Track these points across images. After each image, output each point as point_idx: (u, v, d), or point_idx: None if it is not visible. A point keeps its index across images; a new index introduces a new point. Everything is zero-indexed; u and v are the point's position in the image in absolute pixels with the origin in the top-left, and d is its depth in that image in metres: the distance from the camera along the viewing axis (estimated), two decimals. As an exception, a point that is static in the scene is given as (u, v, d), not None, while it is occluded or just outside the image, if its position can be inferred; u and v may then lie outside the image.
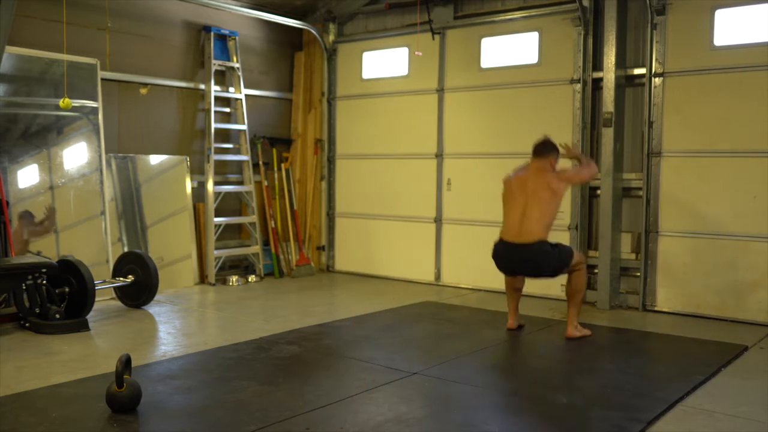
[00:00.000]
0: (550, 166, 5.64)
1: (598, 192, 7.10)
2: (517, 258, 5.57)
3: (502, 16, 7.72)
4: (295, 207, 9.00)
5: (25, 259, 6.00)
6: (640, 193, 6.97)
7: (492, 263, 5.87)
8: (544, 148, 5.71)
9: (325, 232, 9.27)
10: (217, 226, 8.09)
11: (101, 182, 7.09)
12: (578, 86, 7.20)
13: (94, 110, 7.05)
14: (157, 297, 6.78)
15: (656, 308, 6.88)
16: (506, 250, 5.64)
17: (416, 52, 7.93)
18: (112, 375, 3.86)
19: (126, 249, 7.28)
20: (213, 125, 8.06)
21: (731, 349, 5.41)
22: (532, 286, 7.52)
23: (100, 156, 7.08)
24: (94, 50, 7.05)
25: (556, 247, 5.51)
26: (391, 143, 8.63)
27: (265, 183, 8.72)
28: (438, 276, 8.31)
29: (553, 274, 5.65)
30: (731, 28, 6.51)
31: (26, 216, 6.56)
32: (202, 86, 8.13)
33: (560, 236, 7.33)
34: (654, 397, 4.26)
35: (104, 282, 6.59)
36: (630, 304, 7.06)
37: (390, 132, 8.68)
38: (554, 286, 7.39)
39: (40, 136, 6.76)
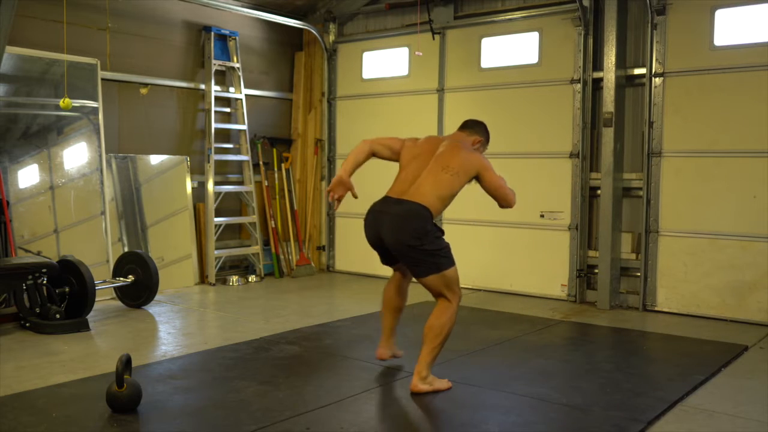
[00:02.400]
0: (471, 145, 4.64)
1: (598, 192, 7.10)
2: (388, 211, 4.30)
3: (502, 16, 7.72)
4: (295, 207, 9.00)
5: (26, 259, 6.00)
6: (640, 193, 6.97)
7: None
8: (475, 125, 4.81)
9: (325, 232, 9.27)
10: (218, 226, 8.09)
11: (101, 182, 7.09)
12: (578, 86, 7.20)
13: (95, 110, 7.05)
14: (157, 297, 6.78)
15: (656, 308, 6.88)
16: (381, 204, 4.44)
17: (416, 52, 7.93)
18: (113, 375, 3.86)
19: (126, 249, 7.28)
20: (213, 125, 8.06)
21: (731, 349, 5.41)
22: (532, 286, 7.55)
23: (100, 156, 7.08)
24: (94, 50, 7.06)
25: (437, 233, 4.25)
26: (391, 143, 8.61)
27: (266, 183, 8.72)
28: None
29: (417, 258, 4.21)
30: (731, 28, 6.51)
31: None
32: (203, 86, 8.13)
33: (560, 236, 7.35)
34: (654, 397, 4.26)
35: (104, 282, 6.59)
36: (630, 304, 7.06)
37: (390, 132, 8.64)
38: (554, 286, 7.40)
39: (40, 136, 6.76)
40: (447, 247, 4.28)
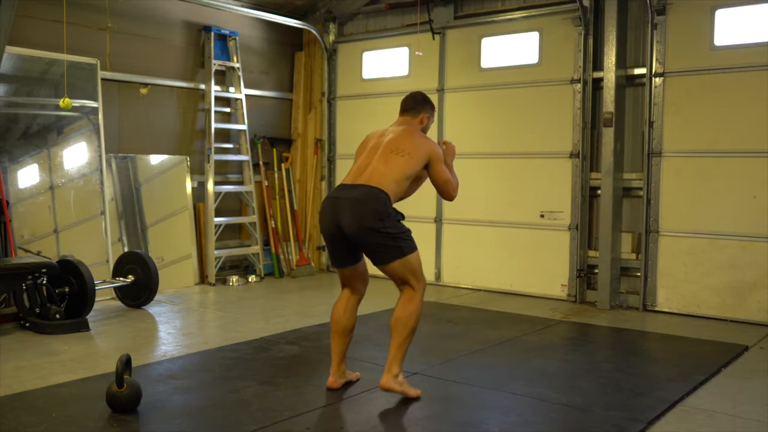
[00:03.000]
0: (419, 125, 4.43)
1: (598, 192, 7.10)
2: (343, 196, 4.07)
3: (502, 16, 7.72)
4: (295, 207, 9.00)
5: (25, 259, 6.00)
6: (641, 193, 6.97)
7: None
8: (414, 102, 4.52)
9: (325, 232, 9.26)
10: (217, 226, 8.09)
11: (101, 182, 7.09)
12: (578, 86, 7.20)
13: (94, 110, 7.05)
14: (157, 297, 6.78)
15: (656, 308, 6.87)
16: (336, 191, 4.19)
17: (416, 52, 7.93)
18: (113, 375, 3.86)
19: (126, 249, 7.28)
20: (213, 125, 8.06)
21: (731, 349, 5.41)
22: (532, 286, 7.55)
23: (100, 156, 7.08)
24: (94, 50, 7.05)
25: (397, 216, 4.08)
26: (391, 143, 8.61)
27: (265, 183, 8.72)
28: (438, 276, 8.31)
29: (378, 244, 4.01)
30: (731, 28, 6.51)
31: None
32: (203, 86, 8.13)
33: (560, 236, 7.35)
34: (654, 397, 4.26)
35: (104, 282, 6.59)
36: (630, 304, 7.06)
37: (390, 132, 8.66)
38: (554, 286, 7.40)
39: (40, 136, 6.76)
40: (408, 231, 4.12)
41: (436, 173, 4.23)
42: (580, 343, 5.77)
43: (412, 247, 4.09)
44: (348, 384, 4.40)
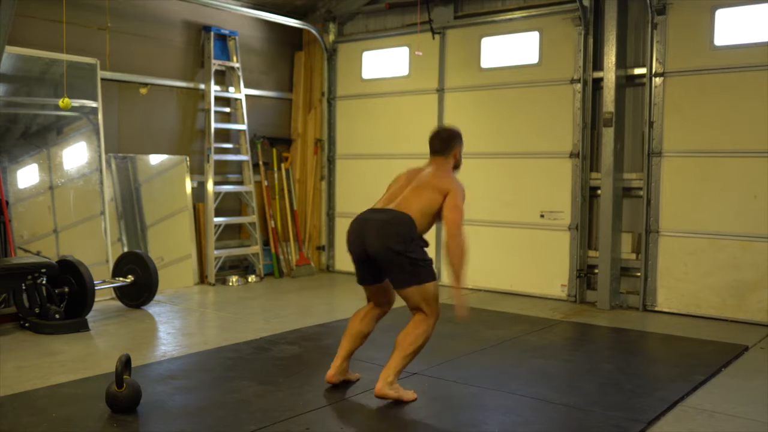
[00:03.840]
0: (453, 162, 4.47)
1: (598, 192, 7.10)
2: (371, 218, 4.19)
3: (502, 16, 7.72)
4: (295, 207, 9.00)
5: (25, 259, 6.00)
6: (641, 193, 6.97)
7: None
8: (442, 143, 4.50)
9: (325, 232, 9.27)
10: (217, 226, 8.09)
11: (101, 182, 7.08)
12: (578, 86, 7.20)
13: (94, 110, 7.05)
14: (157, 297, 6.78)
15: (656, 308, 6.87)
16: (365, 213, 4.29)
17: (416, 52, 7.93)
18: (112, 375, 3.86)
19: (126, 249, 7.28)
20: (213, 125, 8.06)
21: (731, 349, 5.41)
22: (532, 286, 7.55)
23: (100, 156, 7.08)
24: (94, 50, 7.05)
25: (421, 243, 4.17)
26: (391, 143, 8.62)
27: (265, 183, 8.72)
28: (438, 276, 8.29)
29: (400, 265, 4.07)
30: (731, 28, 6.51)
31: None
32: (202, 86, 8.13)
33: (560, 236, 7.35)
34: (654, 397, 4.26)
35: (104, 282, 6.59)
36: (630, 304, 7.06)
37: (390, 132, 8.67)
38: (554, 286, 7.40)
39: (40, 136, 6.76)
40: (430, 261, 4.18)
41: (446, 205, 4.18)
42: (580, 344, 5.77)
43: (431, 277, 4.16)
44: (346, 383, 4.42)
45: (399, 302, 7.16)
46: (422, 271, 4.11)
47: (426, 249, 4.18)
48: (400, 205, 4.18)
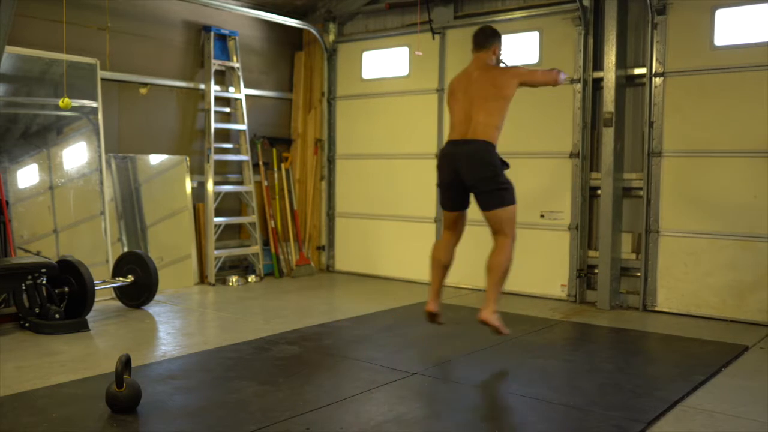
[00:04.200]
0: (493, 58, 5.07)
1: (598, 192, 7.10)
2: (460, 152, 4.89)
3: (502, 16, 7.72)
4: (295, 207, 9.00)
5: (25, 259, 6.00)
6: (641, 193, 6.97)
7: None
8: (485, 37, 5.08)
9: (325, 232, 9.27)
10: (217, 226, 8.09)
11: (101, 182, 7.09)
12: (578, 86, 7.20)
13: (94, 110, 7.05)
14: (156, 297, 6.78)
15: (656, 308, 6.87)
16: (452, 147, 4.99)
17: (416, 52, 7.93)
18: (112, 375, 3.86)
19: (126, 249, 7.28)
20: (213, 125, 8.06)
21: (731, 349, 5.41)
22: (532, 286, 7.55)
23: (100, 156, 7.08)
24: (94, 50, 7.05)
25: (503, 166, 4.91)
26: (391, 143, 8.62)
27: (265, 183, 8.72)
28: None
29: (490, 189, 4.84)
30: (731, 28, 6.51)
31: None
32: (202, 86, 8.13)
33: (560, 236, 7.35)
34: (654, 397, 4.26)
35: (104, 282, 6.59)
36: (630, 304, 7.06)
37: (390, 132, 8.68)
38: (554, 286, 7.40)
39: (40, 136, 6.76)
40: (512, 185, 4.90)
41: (532, 83, 5.10)
42: (580, 344, 5.77)
43: (513, 200, 4.91)
44: (438, 318, 5.30)
45: (399, 303, 7.17)
46: (507, 194, 4.86)
47: (507, 169, 4.90)
48: (477, 129, 4.82)
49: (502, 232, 4.90)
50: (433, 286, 5.25)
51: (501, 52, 5.13)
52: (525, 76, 5.01)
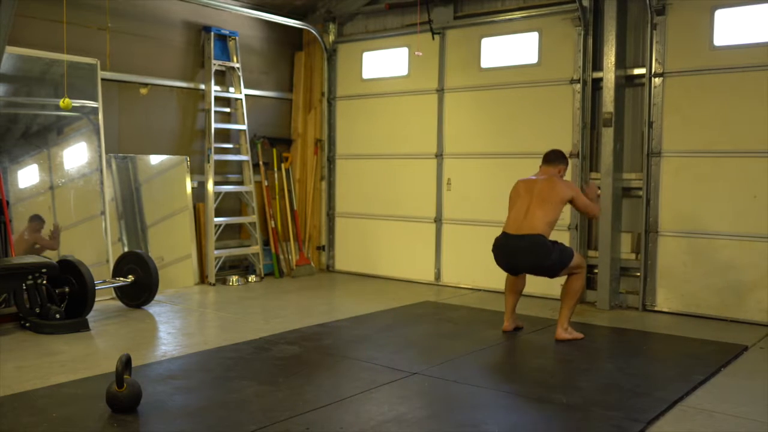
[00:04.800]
0: (558, 174, 5.74)
1: (598, 192, 7.08)
2: (514, 246, 5.56)
3: (502, 16, 7.72)
4: (295, 207, 9.00)
5: (26, 259, 6.00)
6: (640, 193, 6.97)
7: (492, 263, 5.86)
8: (555, 157, 5.82)
9: (325, 232, 9.27)
10: (217, 226, 8.09)
11: (101, 182, 7.09)
12: (578, 86, 7.20)
13: (94, 110, 7.06)
14: (157, 297, 6.78)
15: (656, 308, 6.88)
16: (506, 240, 5.65)
17: (416, 52, 7.93)
18: (113, 375, 3.86)
19: (126, 249, 7.28)
20: (213, 125, 8.07)
21: (731, 349, 5.41)
22: (532, 286, 7.53)
23: (100, 156, 7.08)
24: (94, 50, 7.06)
25: (556, 245, 5.52)
26: (391, 143, 8.63)
27: (265, 183, 8.73)
28: (438, 276, 8.31)
29: (551, 270, 5.56)
30: (731, 28, 6.51)
31: (35, 220, 6.56)
32: (202, 86, 8.13)
33: (560, 236, 7.33)
34: (654, 397, 4.26)
35: (104, 282, 6.59)
36: (630, 304, 7.06)
37: (390, 132, 8.68)
38: (555, 287, 7.39)
39: (40, 136, 6.76)
40: (563, 247, 5.56)
41: (578, 204, 5.69)
42: (580, 344, 5.77)
43: (570, 256, 5.54)
44: (517, 330, 5.92)
45: (399, 303, 7.17)
46: (565, 258, 5.50)
47: (557, 243, 5.54)
48: (531, 224, 5.49)
49: (573, 274, 5.63)
50: (507, 309, 5.91)
51: (564, 172, 5.82)
52: (578, 195, 5.64)
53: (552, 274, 5.61)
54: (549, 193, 5.54)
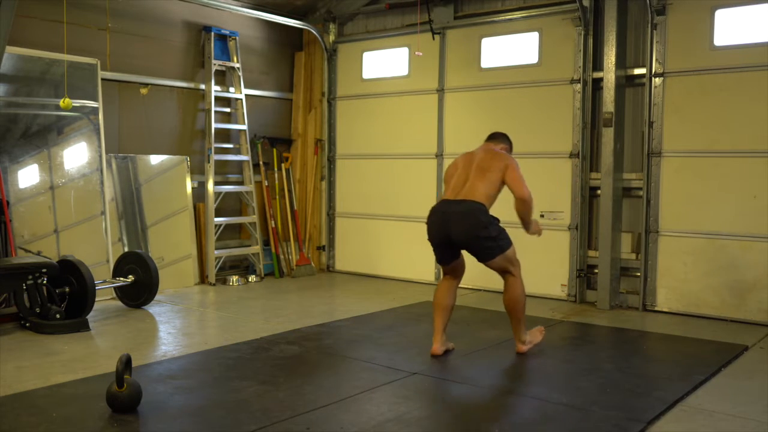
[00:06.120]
0: (500, 150, 5.33)
1: (598, 192, 7.10)
2: (450, 212, 4.98)
3: (502, 16, 7.72)
4: (295, 207, 9.00)
5: (26, 259, 6.00)
6: (640, 193, 6.98)
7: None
8: (500, 135, 5.53)
9: (325, 232, 9.27)
10: (218, 226, 8.09)
11: (101, 182, 7.09)
12: (578, 86, 7.20)
13: (95, 110, 7.06)
14: (157, 297, 6.78)
15: (656, 308, 6.88)
16: (441, 206, 5.13)
17: (416, 52, 7.93)
18: (113, 375, 3.86)
19: (126, 249, 7.28)
20: (213, 125, 8.07)
21: (731, 349, 5.41)
22: (532, 286, 7.54)
23: (100, 156, 7.08)
24: (94, 50, 7.06)
25: (496, 221, 5.00)
26: (391, 143, 8.63)
27: (266, 183, 8.73)
28: (438, 276, 8.31)
29: (488, 249, 4.95)
30: (731, 28, 6.51)
31: None
32: (203, 86, 8.13)
33: (560, 236, 7.36)
34: (654, 397, 4.26)
35: (104, 282, 6.59)
36: (630, 304, 7.06)
37: (390, 132, 8.68)
38: (554, 286, 7.41)
39: (40, 136, 6.76)
40: (504, 231, 5.02)
41: (510, 177, 5.04)
42: (580, 343, 5.77)
43: (509, 244, 5.03)
44: (447, 352, 5.21)
45: (399, 302, 7.17)
46: (502, 242, 4.98)
47: (499, 223, 5.00)
48: (469, 193, 4.98)
49: (507, 272, 5.10)
50: (437, 329, 5.21)
51: (509, 151, 5.44)
52: (515, 168, 5.06)
53: (488, 253, 4.97)
54: (489, 163, 5.08)
